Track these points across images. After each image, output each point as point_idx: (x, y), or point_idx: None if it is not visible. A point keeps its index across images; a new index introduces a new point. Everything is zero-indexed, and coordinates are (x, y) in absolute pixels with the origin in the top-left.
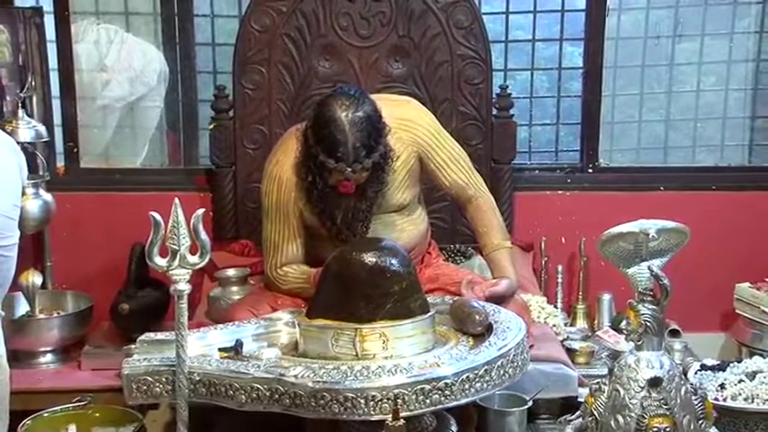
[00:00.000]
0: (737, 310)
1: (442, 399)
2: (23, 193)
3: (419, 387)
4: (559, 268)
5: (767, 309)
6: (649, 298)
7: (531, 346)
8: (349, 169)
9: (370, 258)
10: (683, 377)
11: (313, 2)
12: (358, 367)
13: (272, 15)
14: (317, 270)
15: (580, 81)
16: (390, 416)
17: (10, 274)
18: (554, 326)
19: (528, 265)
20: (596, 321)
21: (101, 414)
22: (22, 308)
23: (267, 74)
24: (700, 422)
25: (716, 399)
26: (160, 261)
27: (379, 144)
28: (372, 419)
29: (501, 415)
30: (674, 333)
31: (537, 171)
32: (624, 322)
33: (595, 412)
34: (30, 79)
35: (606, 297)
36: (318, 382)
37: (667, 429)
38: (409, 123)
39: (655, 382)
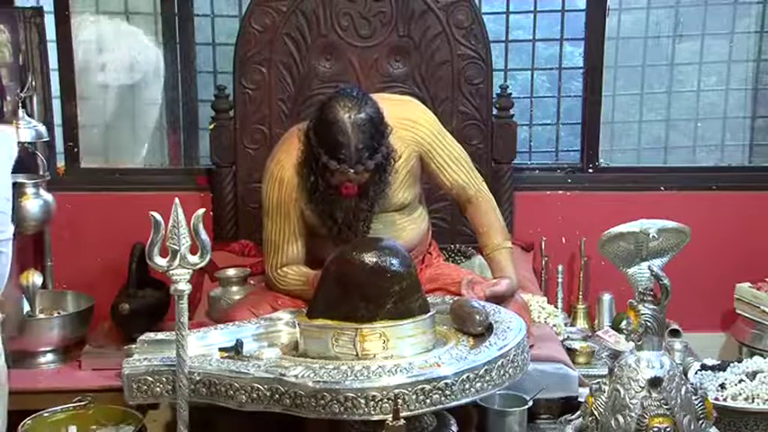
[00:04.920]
0: (738, 310)
1: (443, 399)
2: (24, 193)
3: (419, 387)
4: (560, 268)
5: (767, 309)
6: (650, 298)
7: (531, 346)
8: (351, 171)
9: (370, 258)
10: (684, 377)
11: (313, 2)
12: (358, 367)
13: (273, 15)
14: (316, 272)
15: (580, 81)
16: (390, 416)
17: (5, 270)
18: (554, 326)
19: (528, 264)
20: (596, 321)
21: (101, 414)
22: (22, 308)
23: (267, 74)
24: (700, 422)
25: (716, 399)
26: (160, 261)
27: (382, 145)
28: (372, 419)
29: (501, 415)
30: (675, 333)
31: (537, 171)
32: (624, 322)
33: (596, 412)
34: (30, 79)
35: (606, 297)
36: (319, 381)
37: (667, 429)
38: (410, 123)
39: (655, 382)
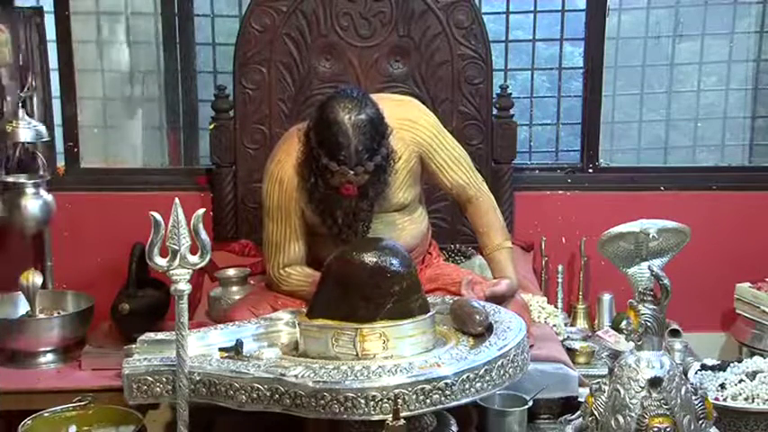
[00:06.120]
0: (738, 310)
1: (443, 399)
2: (24, 193)
3: (419, 387)
4: (560, 268)
5: (767, 309)
6: (650, 298)
7: (531, 346)
8: (351, 172)
9: (370, 258)
10: (684, 377)
11: (313, 2)
12: (358, 367)
13: (272, 15)
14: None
15: (580, 81)
16: (391, 416)
17: None
18: (554, 326)
19: (528, 264)
20: (596, 321)
21: (101, 414)
22: (22, 308)
23: (267, 74)
24: (700, 422)
25: (716, 399)
26: (160, 261)
27: (382, 146)
28: (372, 419)
29: (501, 415)
30: (675, 333)
31: (537, 171)
32: (624, 322)
33: (595, 412)
34: (30, 79)
35: (606, 297)
36: (319, 381)
37: (667, 429)
38: (411, 123)
39: (655, 382)
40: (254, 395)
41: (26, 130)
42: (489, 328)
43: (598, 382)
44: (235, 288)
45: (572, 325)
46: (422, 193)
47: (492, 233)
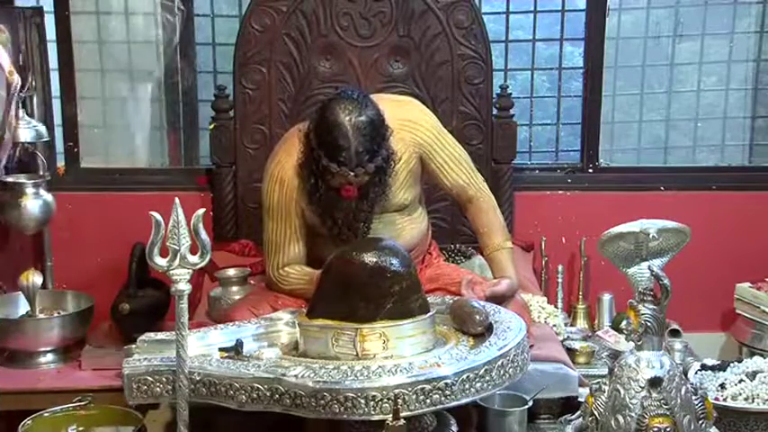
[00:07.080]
0: (738, 310)
1: (443, 399)
2: (24, 193)
3: (419, 387)
4: (560, 268)
5: (767, 309)
6: (650, 298)
7: (531, 346)
8: (352, 174)
9: (370, 258)
10: (684, 377)
11: (313, 2)
12: (358, 367)
13: (272, 15)
14: (320, 272)
15: (580, 81)
16: (391, 416)
17: None
18: (554, 326)
19: (528, 264)
20: (596, 321)
21: (101, 414)
22: (22, 308)
23: (267, 74)
24: (700, 422)
25: (716, 399)
26: (160, 261)
27: (382, 148)
28: (373, 419)
29: (501, 415)
30: (675, 333)
31: (537, 171)
32: (624, 322)
33: (595, 412)
34: (30, 79)
35: (606, 297)
36: (319, 381)
37: (667, 429)
38: (411, 124)
39: (655, 382)
40: (254, 395)
41: (26, 130)
42: (489, 328)
43: (598, 382)
44: (235, 288)
45: (572, 325)
46: (422, 193)
47: (492, 233)
